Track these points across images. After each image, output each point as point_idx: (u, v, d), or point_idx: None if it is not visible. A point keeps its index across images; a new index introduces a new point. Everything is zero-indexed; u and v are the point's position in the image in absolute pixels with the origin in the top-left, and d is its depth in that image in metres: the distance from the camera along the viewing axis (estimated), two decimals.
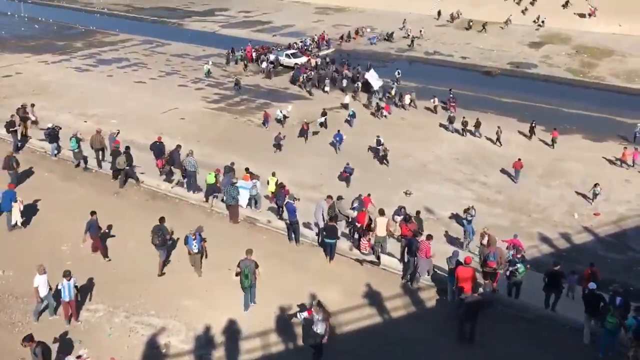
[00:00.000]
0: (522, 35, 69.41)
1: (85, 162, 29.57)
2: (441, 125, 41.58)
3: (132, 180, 27.86)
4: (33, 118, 34.64)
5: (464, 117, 40.66)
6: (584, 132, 40.84)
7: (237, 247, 19.98)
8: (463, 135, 39.93)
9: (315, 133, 39.03)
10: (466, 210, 25.63)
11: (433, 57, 62.21)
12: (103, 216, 22.02)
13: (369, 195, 27.07)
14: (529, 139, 39.09)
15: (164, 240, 20.30)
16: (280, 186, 25.41)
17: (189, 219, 23.86)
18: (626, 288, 20.27)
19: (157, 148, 29.00)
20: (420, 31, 70.26)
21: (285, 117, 41.08)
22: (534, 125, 39.14)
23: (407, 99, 45.56)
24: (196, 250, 19.82)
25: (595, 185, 30.28)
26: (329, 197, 23.64)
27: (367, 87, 48.46)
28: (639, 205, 30.34)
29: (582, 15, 73.85)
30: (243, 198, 25.42)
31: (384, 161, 34.86)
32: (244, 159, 31.37)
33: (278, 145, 36.05)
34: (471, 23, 73.30)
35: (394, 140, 38.26)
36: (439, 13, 79.22)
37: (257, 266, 18.32)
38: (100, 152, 29.97)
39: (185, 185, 27.37)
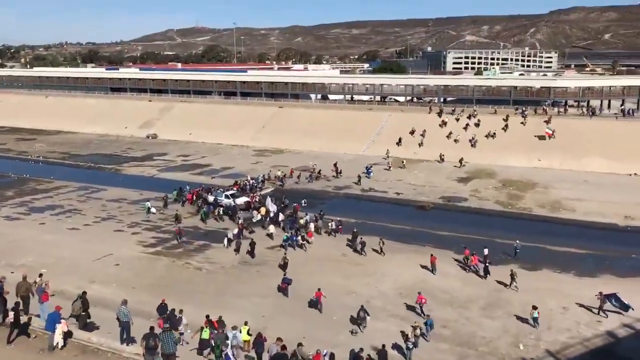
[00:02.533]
0: (450, 171, 73.31)
1: (4, 317, 27.40)
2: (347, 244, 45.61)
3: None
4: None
5: (361, 238, 44.47)
6: (519, 262, 41.98)
7: None
8: (362, 254, 43.25)
9: (251, 232, 46.71)
10: (406, 340, 27.88)
11: (369, 194, 64.22)
12: None
13: (319, 289, 31.55)
14: (484, 278, 38.82)
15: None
16: (258, 335, 25.64)
17: None
18: None
19: (163, 309, 29.25)
20: (403, 162, 76.08)
21: (230, 240, 44.66)
22: (488, 263, 39.41)
23: (312, 226, 47.91)
24: None
25: (534, 308, 31.44)
26: (279, 339, 23.19)
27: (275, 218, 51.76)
28: (579, 333, 30.72)
29: (541, 138, 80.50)
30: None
31: (284, 270, 37.64)
32: (182, 303, 30.11)
33: (238, 250, 42.62)
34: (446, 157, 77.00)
35: (335, 276, 38.16)
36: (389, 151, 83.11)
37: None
38: (26, 303, 28.06)
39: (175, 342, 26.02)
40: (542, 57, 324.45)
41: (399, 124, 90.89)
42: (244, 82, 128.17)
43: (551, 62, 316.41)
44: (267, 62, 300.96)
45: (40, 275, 32.14)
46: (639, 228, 50.68)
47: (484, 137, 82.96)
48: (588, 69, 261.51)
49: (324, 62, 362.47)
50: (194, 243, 46.08)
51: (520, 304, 34.30)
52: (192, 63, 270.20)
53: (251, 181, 65.64)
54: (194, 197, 58.56)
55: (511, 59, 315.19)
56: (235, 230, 46.67)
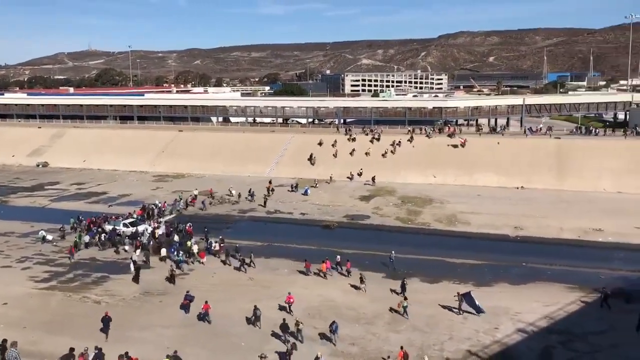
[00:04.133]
0: (353, 190, 74.92)
1: None
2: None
3: None
4: None
5: (239, 255, 46.16)
6: (420, 275, 43.44)
7: None
8: (243, 270, 44.43)
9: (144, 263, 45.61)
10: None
11: (275, 216, 64.11)
12: None
13: (206, 302, 33.37)
14: (401, 294, 39.15)
15: None
16: None
17: None
18: None
19: (106, 321, 31.21)
20: (331, 177, 79.27)
21: (135, 262, 44.52)
22: (405, 282, 39.99)
23: (195, 248, 48.72)
24: None
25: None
26: None
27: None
28: (478, 341, 32.15)
29: (455, 146, 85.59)
30: None
31: (172, 283, 40.62)
32: (81, 340, 28.48)
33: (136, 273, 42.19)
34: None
35: (243, 301, 37.57)
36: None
37: None
38: None
39: None
40: (433, 79, 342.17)
41: (302, 145, 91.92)
42: (141, 105, 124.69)
43: (442, 83, 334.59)
44: (165, 85, 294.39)
45: None
46: (527, 237, 54.15)
47: (382, 155, 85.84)
48: (476, 89, 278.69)
49: (225, 84, 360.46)
50: (92, 275, 43.75)
51: (424, 317, 35.46)
52: (85, 87, 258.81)
53: (159, 205, 64.54)
54: (90, 227, 55.84)
55: (405, 81, 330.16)
56: (138, 252, 47.34)
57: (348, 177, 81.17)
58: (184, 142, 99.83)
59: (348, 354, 30.69)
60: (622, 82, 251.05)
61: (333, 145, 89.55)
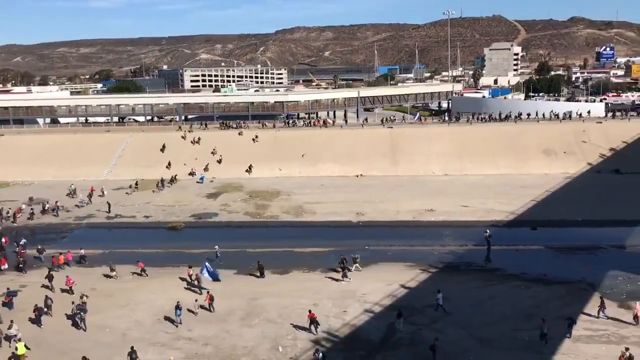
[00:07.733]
0: (199, 188, 73.49)
1: None
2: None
3: None
4: None
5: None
6: (271, 267, 43.79)
7: None
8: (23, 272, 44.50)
9: None
10: None
11: (115, 221, 60.73)
12: None
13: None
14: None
15: None
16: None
17: None
18: None
19: None
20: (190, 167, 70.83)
21: None
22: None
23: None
24: None
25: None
26: None
27: None
28: (329, 325, 33.27)
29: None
30: None
31: None
32: None
33: None
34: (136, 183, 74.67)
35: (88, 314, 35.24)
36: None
37: None
38: None
39: None
40: (273, 73, 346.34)
41: (141, 145, 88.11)
42: None
43: (282, 78, 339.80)
44: None
45: None
46: (368, 222, 57.16)
47: (236, 149, 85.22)
48: (314, 83, 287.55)
49: (51, 83, 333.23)
50: None
51: (277, 308, 35.92)
52: None
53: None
54: None
55: (246, 76, 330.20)
56: None
57: (191, 174, 79.33)
58: (6, 148, 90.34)
59: (202, 355, 30.14)
60: (444, 73, 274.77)
61: (180, 141, 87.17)
